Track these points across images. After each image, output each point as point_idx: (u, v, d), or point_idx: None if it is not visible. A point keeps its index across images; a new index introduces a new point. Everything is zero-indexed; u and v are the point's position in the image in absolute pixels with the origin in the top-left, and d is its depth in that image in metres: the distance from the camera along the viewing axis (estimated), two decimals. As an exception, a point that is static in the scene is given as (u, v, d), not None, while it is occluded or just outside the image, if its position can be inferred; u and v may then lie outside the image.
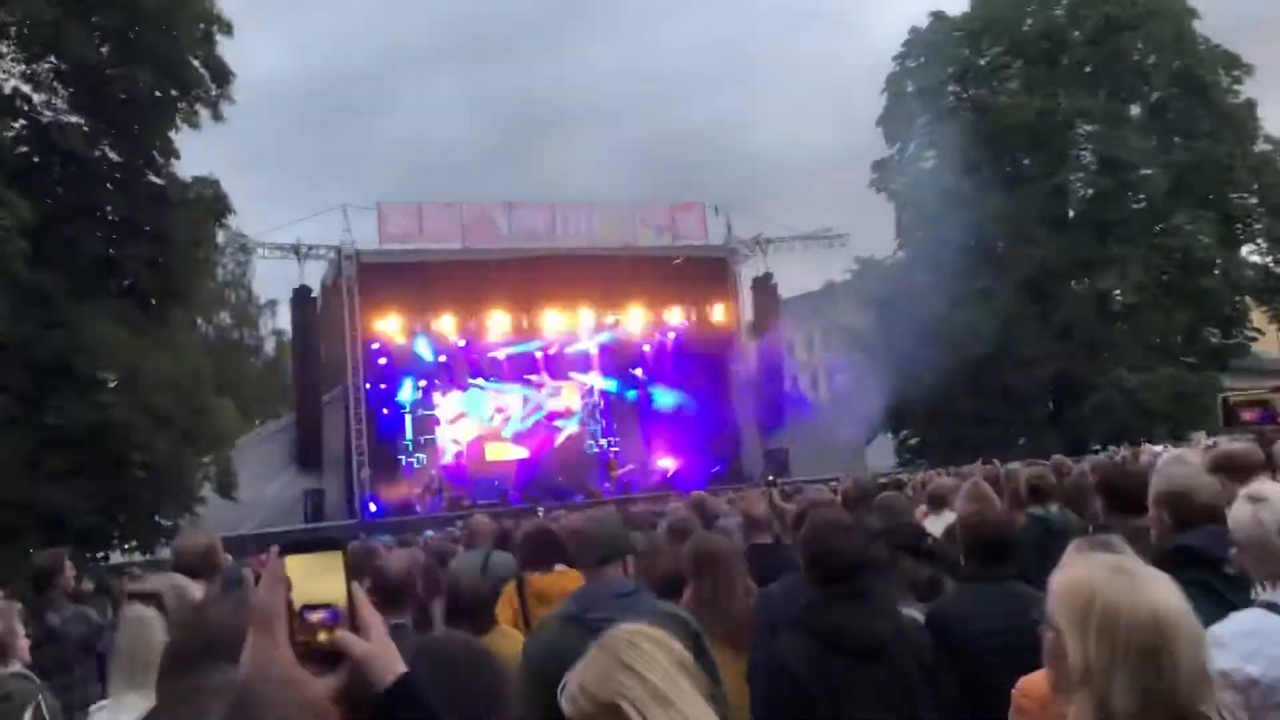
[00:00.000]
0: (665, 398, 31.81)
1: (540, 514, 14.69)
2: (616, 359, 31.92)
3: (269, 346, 50.02)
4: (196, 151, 19.86)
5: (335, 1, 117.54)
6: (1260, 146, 33.88)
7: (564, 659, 1.74)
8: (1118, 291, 32.14)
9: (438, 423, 30.05)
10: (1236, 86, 34.08)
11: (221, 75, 19.08)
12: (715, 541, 4.55)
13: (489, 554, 6.65)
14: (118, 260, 18.27)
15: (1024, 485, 6.20)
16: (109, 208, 18.77)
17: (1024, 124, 33.27)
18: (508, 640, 4.16)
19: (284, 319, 48.54)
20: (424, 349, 29.33)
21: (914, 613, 3.61)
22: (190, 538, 4.83)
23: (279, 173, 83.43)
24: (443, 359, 29.68)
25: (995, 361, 32.13)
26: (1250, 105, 33.98)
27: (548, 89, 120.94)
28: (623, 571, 3.55)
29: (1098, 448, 29.51)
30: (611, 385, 32.08)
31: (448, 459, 30.05)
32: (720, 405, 32.23)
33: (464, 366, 30.01)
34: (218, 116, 18.95)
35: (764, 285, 33.74)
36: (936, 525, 5.82)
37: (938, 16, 36.53)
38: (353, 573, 1.21)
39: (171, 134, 18.81)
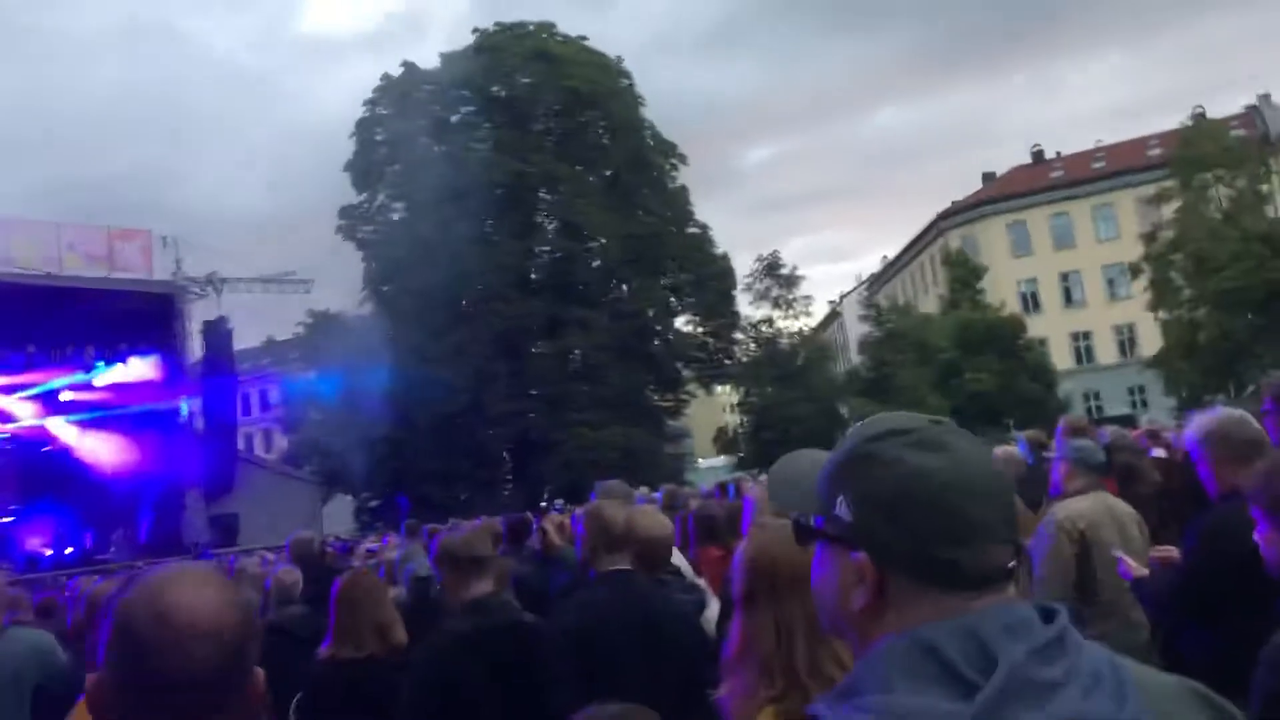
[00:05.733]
0: (91, 451, 26.53)
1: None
2: (28, 404, 26.13)
3: None
4: None
5: None
6: (690, 229, 37.64)
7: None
8: (578, 351, 33.38)
9: None
10: (674, 173, 37.70)
11: None
12: None
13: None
14: None
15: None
16: None
17: (496, 184, 33.62)
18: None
19: None
20: None
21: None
22: None
23: None
24: None
25: (465, 419, 31.66)
26: (684, 190, 37.76)
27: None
28: None
29: (545, 504, 30.30)
30: (19, 433, 26.17)
31: None
32: (159, 463, 27.65)
33: None
34: None
35: (216, 330, 29.87)
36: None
37: (409, 67, 35.88)
38: None
39: None
